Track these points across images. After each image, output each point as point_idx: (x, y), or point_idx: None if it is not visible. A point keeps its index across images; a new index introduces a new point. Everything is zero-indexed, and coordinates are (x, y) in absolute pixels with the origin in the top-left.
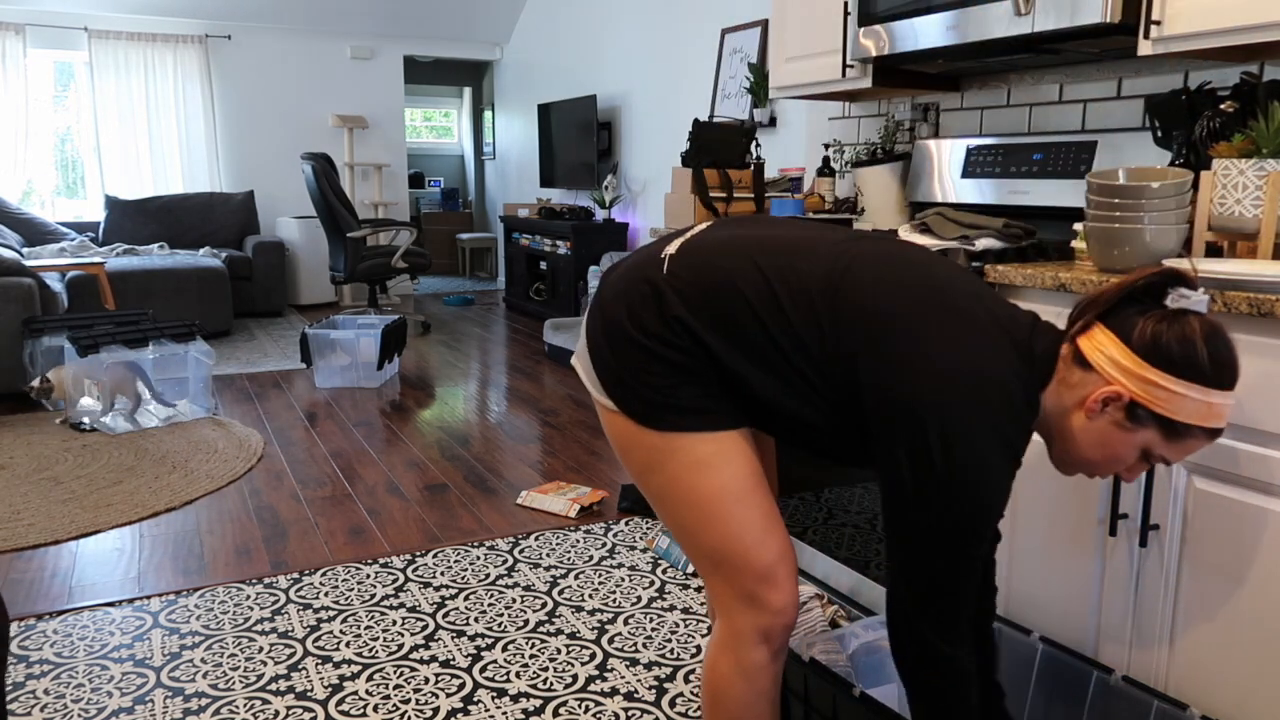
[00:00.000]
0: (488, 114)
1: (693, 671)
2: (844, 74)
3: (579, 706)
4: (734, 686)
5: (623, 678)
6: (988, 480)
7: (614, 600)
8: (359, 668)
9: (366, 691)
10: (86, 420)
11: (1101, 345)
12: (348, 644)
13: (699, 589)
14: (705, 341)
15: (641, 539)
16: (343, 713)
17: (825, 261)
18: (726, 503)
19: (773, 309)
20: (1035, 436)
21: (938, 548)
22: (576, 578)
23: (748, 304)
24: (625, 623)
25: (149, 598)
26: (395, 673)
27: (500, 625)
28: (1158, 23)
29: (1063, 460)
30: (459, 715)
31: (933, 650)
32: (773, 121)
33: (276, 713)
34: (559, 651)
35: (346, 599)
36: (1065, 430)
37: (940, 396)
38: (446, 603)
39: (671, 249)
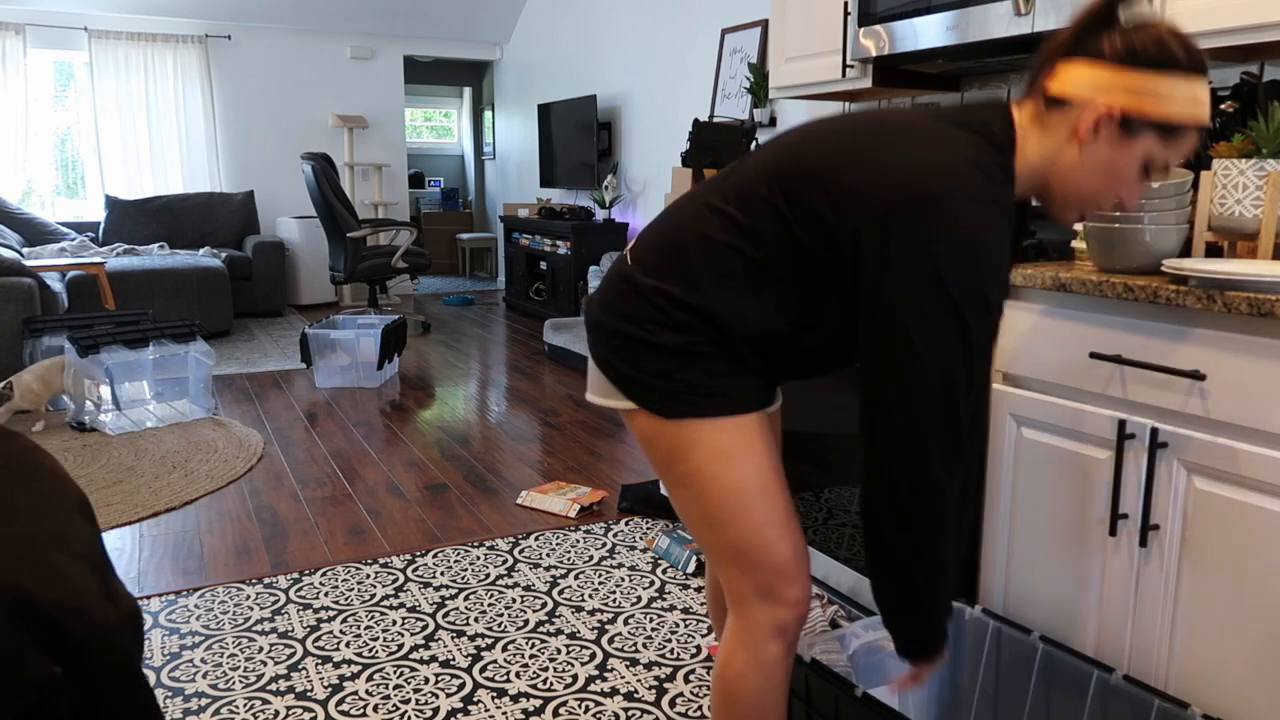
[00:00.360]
0: (488, 114)
1: (692, 671)
2: (844, 74)
3: (579, 706)
4: (749, 681)
5: (623, 678)
6: (993, 243)
7: (614, 600)
8: (359, 668)
9: (366, 691)
10: (86, 420)
11: (1074, 76)
12: (348, 644)
13: (699, 589)
14: (689, 303)
15: (641, 539)
16: (343, 713)
17: (756, 159)
18: (750, 495)
19: (730, 226)
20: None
21: (931, 354)
22: (576, 578)
23: (707, 237)
24: (625, 623)
25: (149, 598)
26: (395, 673)
27: (500, 625)
28: None
29: (1064, 205)
30: (459, 715)
31: (930, 476)
32: (773, 121)
33: (276, 713)
34: (559, 651)
35: (346, 599)
36: (1060, 171)
37: (915, 202)
38: (446, 603)
39: (630, 244)
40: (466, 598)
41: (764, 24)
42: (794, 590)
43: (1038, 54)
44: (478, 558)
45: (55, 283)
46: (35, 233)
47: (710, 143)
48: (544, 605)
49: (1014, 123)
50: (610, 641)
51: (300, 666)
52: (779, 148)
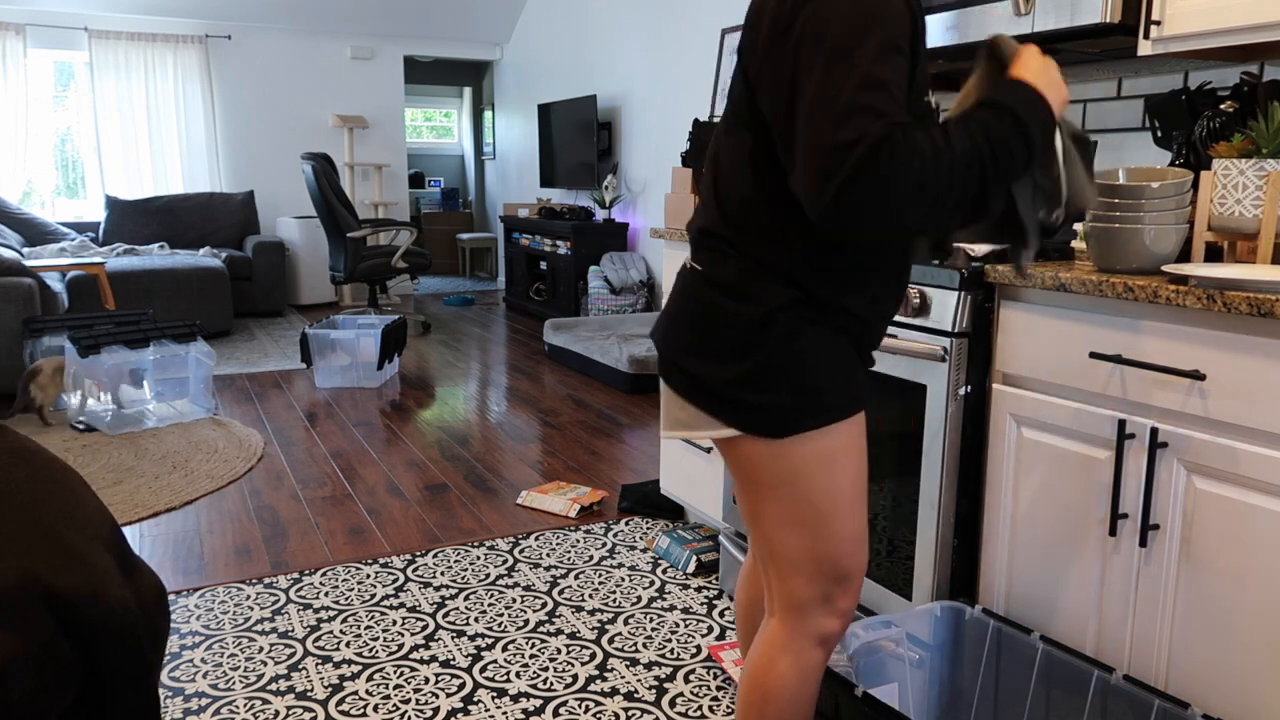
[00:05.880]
0: (488, 114)
1: (692, 671)
2: None
3: (579, 706)
4: (789, 687)
5: (623, 678)
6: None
7: (614, 600)
8: (359, 668)
9: (366, 691)
10: (85, 420)
11: None
12: (348, 644)
13: (699, 589)
14: (757, 255)
15: (641, 539)
16: (343, 713)
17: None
18: (843, 503)
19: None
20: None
21: (842, 80)
22: (576, 578)
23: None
24: (625, 623)
25: None
26: (395, 673)
27: (500, 625)
28: (1158, 23)
29: None
30: (459, 715)
31: (869, 138)
32: None
33: (276, 713)
34: (559, 651)
35: (346, 599)
36: None
37: None
38: (446, 603)
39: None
40: (466, 598)
41: None
42: (848, 602)
43: None
44: (478, 558)
45: (55, 283)
46: (35, 233)
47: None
48: (544, 605)
49: None
50: (610, 641)
51: (300, 666)
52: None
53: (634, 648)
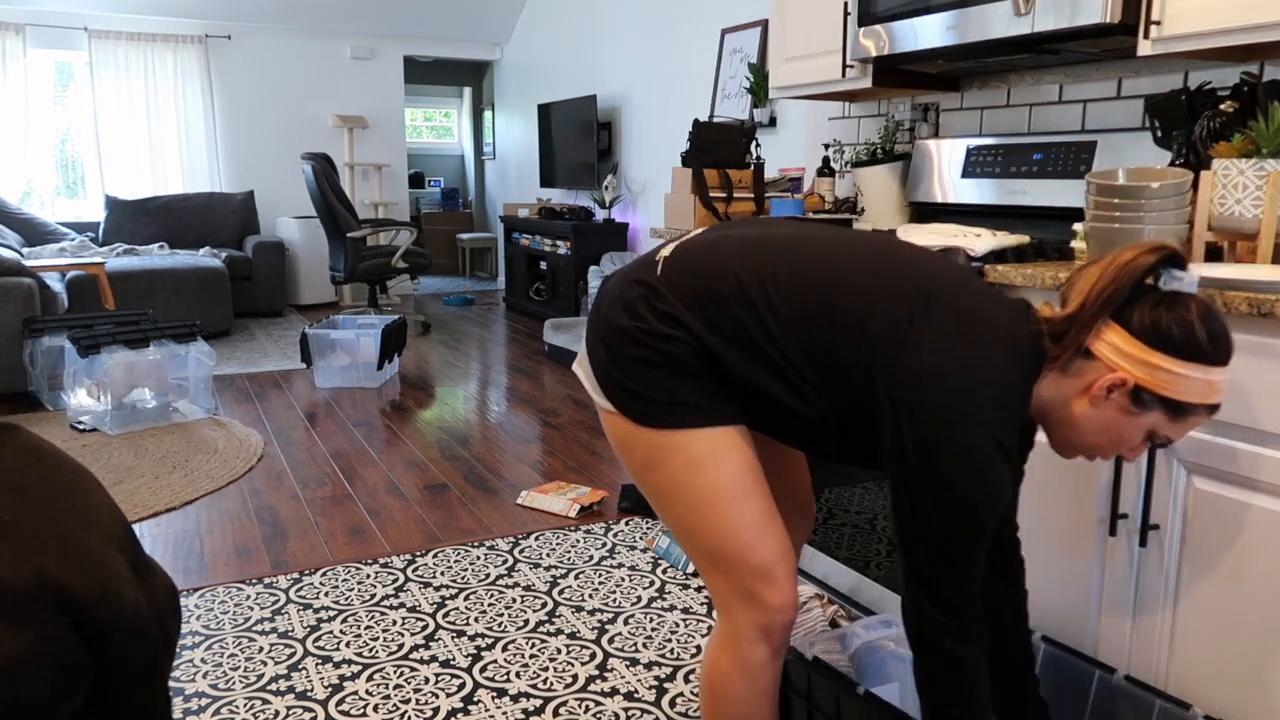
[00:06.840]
0: (488, 114)
1: (693, 671)
2: (844, 74)
3: (579, 706)
4: (734, 684)
5: (623, 678)
6: (979, 473)
7: (614, 600)
8: (359, 668)
9: (366, 691)
10: (86, 420)
11: (1105, 335)
12: (348, 644)
13: (699, 589)
14: (701, 337)
15: (641, 539)
16: (343, 713)
17: (814, 251)
18: (723, 500)
19: (768, 307)
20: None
21: (933, 541)
22: (576, 578)
23: (743, 302)
24: (625, 623)
25: None
26: (395, 673)
27: (500, 625)
28: (1158, 23)
29: (1065, 445)
30: (459, 715)
31: (938, 643)
32: (773, 121)
33: (276, 713)
34: (559, 651)
35: (346, 599)
36: (1068, 417)
37: (929, 394)
38: (446, 603)
39: (666, 251)
40: (466, 598)
41: (764, 24)
42: (776, 595)
43: (1090, 302)
44: (478, 558)
45: (55, 283)
46: (35, 233)
47: (710, 143)
48: (544, 605)
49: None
50: (610, 641)
51: (300, 666)
52: (841, 265)
53: (634, 648)
